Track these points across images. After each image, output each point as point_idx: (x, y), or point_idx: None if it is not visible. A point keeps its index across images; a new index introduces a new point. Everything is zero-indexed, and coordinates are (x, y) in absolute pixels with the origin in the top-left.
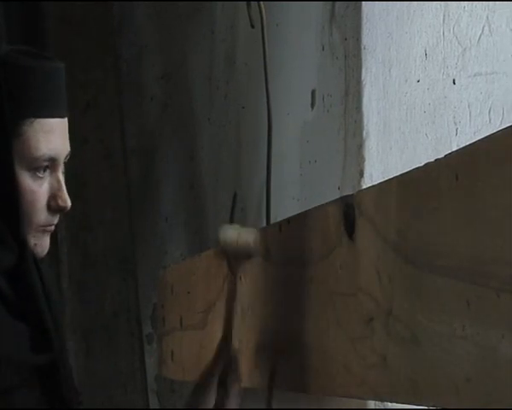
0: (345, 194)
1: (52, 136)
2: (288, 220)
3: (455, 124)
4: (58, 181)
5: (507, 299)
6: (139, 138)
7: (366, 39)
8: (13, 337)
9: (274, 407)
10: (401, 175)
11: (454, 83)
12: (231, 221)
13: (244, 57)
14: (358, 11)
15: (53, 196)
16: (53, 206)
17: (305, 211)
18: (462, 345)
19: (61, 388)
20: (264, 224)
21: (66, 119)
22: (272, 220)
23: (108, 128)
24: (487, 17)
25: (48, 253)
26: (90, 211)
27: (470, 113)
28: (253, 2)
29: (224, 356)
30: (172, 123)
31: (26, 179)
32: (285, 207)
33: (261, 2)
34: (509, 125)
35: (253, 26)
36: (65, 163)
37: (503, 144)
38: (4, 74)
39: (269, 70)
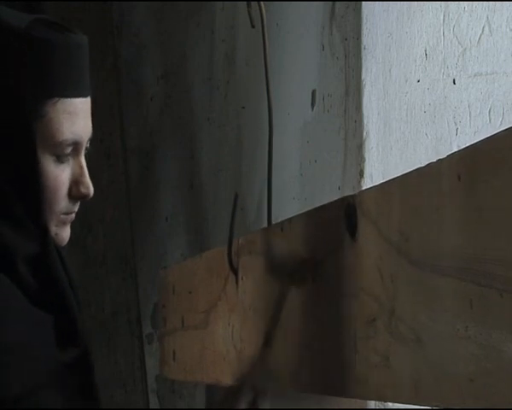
0: (345, 194)
1: (76, 117)
2: (290, 220)
3: (455, 124)
4: (81, 166)
5: (510, 299)
6: (139, 138)
7: (366, 39)
8: (39, 329)
9: (274, 406)
10: (403, 175)
11: (454, 83)
12: (232, 222)
13: (244, 57)
14: (358, 11)
15: (75, 183)
16: (75, 193)
17: (307, 211)
18: (465, 345)
19: (89, 385)
20: (265, 224)
21: (89, 98)
22: (272, 221)
23: (108, 128)
24: (487, 17)
25: None
26: (90, 211)
27: (470, 113)
28: (253, 2)
29: (264, 365)
30: (172, 123)
31: (49, 164)
32: (285, 207)
33: (261, 2)
34: (511, 125)
35: (253, 26)
36: (87, 148)
37: (505, 145)
38: (27, 49)
39: (269, 70)
